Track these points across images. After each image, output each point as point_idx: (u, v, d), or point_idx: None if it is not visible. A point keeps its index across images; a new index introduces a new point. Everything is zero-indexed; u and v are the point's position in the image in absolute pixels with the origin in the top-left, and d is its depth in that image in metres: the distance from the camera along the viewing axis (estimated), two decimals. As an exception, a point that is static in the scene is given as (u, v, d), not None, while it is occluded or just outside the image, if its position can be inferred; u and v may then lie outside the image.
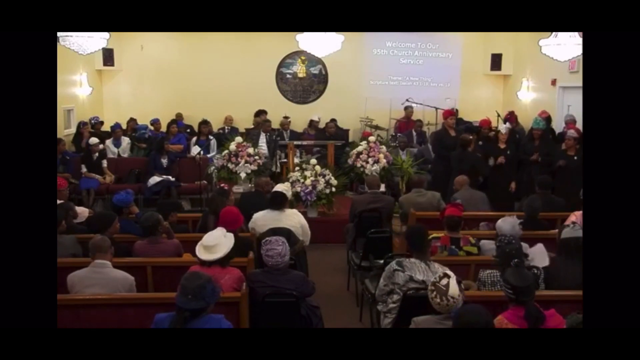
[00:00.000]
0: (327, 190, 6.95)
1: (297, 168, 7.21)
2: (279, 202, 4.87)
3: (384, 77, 11.02)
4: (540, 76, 9.72)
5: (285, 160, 8.55)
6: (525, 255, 3.61)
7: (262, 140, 8.34)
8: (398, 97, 10.35)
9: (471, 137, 6.82)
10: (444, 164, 7.18)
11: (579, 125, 7.55)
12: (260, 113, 9.73)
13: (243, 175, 7.55)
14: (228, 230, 3.74)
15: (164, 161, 8.20)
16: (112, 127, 9.24)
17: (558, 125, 8.65)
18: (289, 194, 5.08)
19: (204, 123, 9.47)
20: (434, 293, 2.83)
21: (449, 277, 2.86)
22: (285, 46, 10.59)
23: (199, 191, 7.74)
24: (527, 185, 7.04)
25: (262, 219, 4.82)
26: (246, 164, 7.55)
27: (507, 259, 3.50)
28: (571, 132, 6.95)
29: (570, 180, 6.49)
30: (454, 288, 2.82)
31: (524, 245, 3.73)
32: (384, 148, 7.89)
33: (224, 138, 8.77)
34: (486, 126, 8.37)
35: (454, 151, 6.94)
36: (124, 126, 9.59)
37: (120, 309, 3.41)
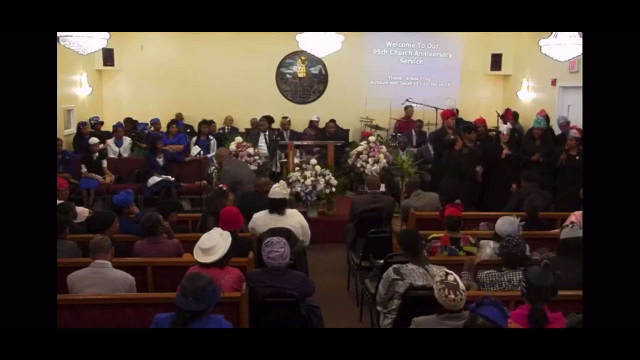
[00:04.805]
0: (327, 190, 6.95)
1: (297, 168, 7.21)
2: (279, 207, 4.84)
3: (384, 77, 11.02)
4: (540, 76, 9.72)
5: (285, 160, 8.54)
6: (528, 258, 3.61)
7: (262, 140, 8.34)
8: (398, 97, 10.35)
9: (453, 137, 6.82)
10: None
11: (579, 125, 7.55)
12: (267, 119, 9.62)
13: (243, 175, 7.54)
14: (228, 231, 3.74)
15: (160, 160, 8.21)
16: (114, 126, 9.25)
17: (557, 126, 8.65)
18: (284, 191, 5.01)
19: (204, 123, 9.47)
20: (447, 290, 2.78)
21: (451, 273, 2.87)
22: (285, 46, 10.59)
23: (199, 191, 7.74)
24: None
25: (262, 219, 4.81)
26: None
27: (511, 260, 3.51)
28: (573, 132, 6.96)
29: (572, 180, 6.49)
30: (461, 282, 2.83)
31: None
32: (384, 148, 7.89)
33: (224, 138, 8.76)
34: (481, 124, 8.37)
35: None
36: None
37: (120, 309, 3.41)
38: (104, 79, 10.81)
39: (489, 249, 4.20)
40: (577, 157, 6.73)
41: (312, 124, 10.32)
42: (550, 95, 9.33)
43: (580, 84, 3.13)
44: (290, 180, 6.93)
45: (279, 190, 4.88)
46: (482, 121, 8.56)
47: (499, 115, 9.66)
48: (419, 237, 3.74)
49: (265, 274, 3.63)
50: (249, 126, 10.04)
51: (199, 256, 3.49)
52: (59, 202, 4.92)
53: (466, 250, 4.24)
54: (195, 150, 8.89)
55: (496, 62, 10.89)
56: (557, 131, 8.19)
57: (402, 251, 3.76)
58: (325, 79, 11.17)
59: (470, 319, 2.54)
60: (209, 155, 8.63)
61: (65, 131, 9.12)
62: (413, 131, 9.76)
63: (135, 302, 3.44)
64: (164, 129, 9.56)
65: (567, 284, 3.20)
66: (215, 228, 3.76)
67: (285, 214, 4.85)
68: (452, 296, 2.77)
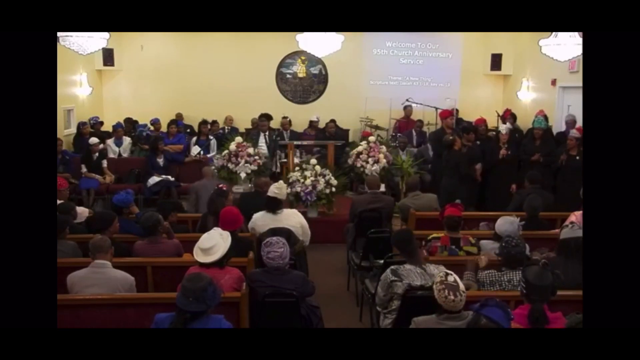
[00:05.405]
0: (327, 190, 6.94)
1: (297, 168, 7.21)
2: (271, 205, 4.86)
3: (384, 77, 11.03)
4: (540, 76, 9.72)
5: (285, 160, 8.54)
6: (528, 258, 3.61)
7: (262, 140, 8.34)
8: (398, 97, 10.35)
9: (452, 137, 6.84)
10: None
11: (579, 125, 7.56)
12: (265, 117, 9.62)
13: (243, 175, 7.55)
14: (228, 231, 3.74)
15: (160, 161, 8.22)
16: (114, 126, 9.26)
17: (557, 126, 8.65)
18: (283, 191, 5.03)
19: (205, 123, 9.47)
20: (447, 291, 2.77)
21: (452, 274, 2.87)
22: (285, 46, 10.60)
23: (198, 191, 7.73)
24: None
25: (262, 220, 4.82)
26: (246, 164, 7.54)
27: (511, 261, 3.51)
28: (573, 132, 6.97)
29: (572, 180, 6.50)
30: (461, 283, 2.83)
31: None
32: (384, 148, 7.89)
33: (224, 138, 8.77)
34: (481, 124, 8.38)
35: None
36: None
37: (120, 309, 3.41)
38: (104, 79, 10.81)
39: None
40: (577, 157, 6.74)
41: (312, 124, 10.32)
42: (550, 95, 9.33)
43: (580, 84, 3.13)
44: (290, 180, 6.93)
45: (272, 189, 4.93)
46: (482, 121, 8.57)
47: (498, 115, 9.67)
48: (412, 237, 3.74)
49: (265, 274, 3.63)
50: (249, 126, 10.05)
51: (199, 256, 3.49)
52: (59, 202, 4.92)
53: (466, 250, 4.24)
54: (195, 150, 8.90)
55: (496, 62, 10.89)
56: (563, 128, 8.18)
57: (398, 252, 3.77)
58: (325, 79, 11.17)
59: (473, 319, 2.54)
60: (209, 155, 8.64)
61: (65, 131, 9.13)
62: (413, 131, 9.77)
63: (135, 302, 3.44)
64: (164, 129, 9.56)
65: (567, 284, 3.21)
66: (215, 228, 3.76)
67: (280, 213, 4.86)
68: (452, 297, 2.76)
